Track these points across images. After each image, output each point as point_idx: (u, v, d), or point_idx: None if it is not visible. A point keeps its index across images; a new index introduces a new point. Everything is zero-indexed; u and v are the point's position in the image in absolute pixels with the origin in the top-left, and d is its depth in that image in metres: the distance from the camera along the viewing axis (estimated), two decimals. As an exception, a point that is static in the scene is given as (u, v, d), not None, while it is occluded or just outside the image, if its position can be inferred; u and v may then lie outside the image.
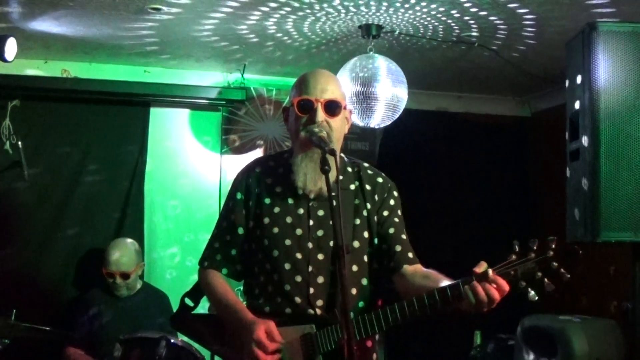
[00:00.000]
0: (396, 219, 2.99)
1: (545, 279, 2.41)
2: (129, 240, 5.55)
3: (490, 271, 2.40)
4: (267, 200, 2.95)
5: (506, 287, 2.39)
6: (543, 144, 6.97)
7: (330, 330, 2.72)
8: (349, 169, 3.03)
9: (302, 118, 2.87)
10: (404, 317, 2.62)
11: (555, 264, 2.41)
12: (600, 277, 5.79)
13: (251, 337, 2.70)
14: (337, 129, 2.88)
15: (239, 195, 3.01)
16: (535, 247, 2.43)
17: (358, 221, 2.93)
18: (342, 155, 3.03)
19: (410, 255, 2.95)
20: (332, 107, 2.87)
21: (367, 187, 3.00)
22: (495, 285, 2.39)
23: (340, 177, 2.90)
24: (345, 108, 2.95)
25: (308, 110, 2.86)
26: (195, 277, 3.15)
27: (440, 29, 5.00)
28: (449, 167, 6.95)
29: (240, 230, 2.98)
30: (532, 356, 4.73)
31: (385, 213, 2.97)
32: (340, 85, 3.00)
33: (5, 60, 4.80)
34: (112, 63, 6.08)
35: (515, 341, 4.92)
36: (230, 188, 3.08)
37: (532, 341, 4.77)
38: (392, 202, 3.01)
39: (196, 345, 4.25)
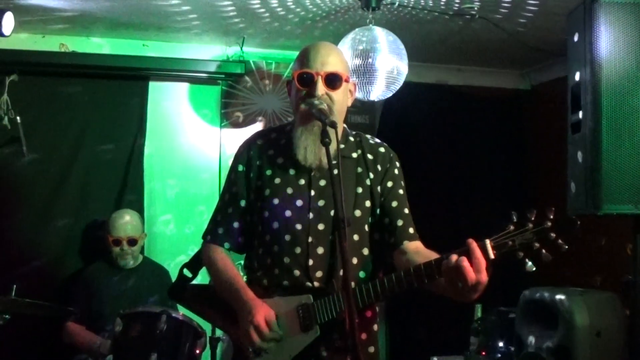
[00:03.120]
0: (400, 191, 2.98)
1: (543, 250, 2.39)
2: (132, 210, 5.61)
3: (488, 242, 2.39)
4: (269, 172, 2.94)
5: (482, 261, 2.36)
6: (542, 117, 6.95)
7: (328, 301, 2.72)
8: (351, 139, 3.02)
9: (302, 91, 2.84)
10: (401, 286, 2.61)
11: (553, 234, 2.38)
12: (592, 250, 5.79)
13: (250, 319, 2.70)
14: (338, 101, 2.86)
15: (240, 168, 3.00)
16: (533, 218, 2.41)
17: (360, 190, 2.91)
18: (345, 126, 3.02)
19: (411, 230, 2.93)
20: (333, 80, 2.84)
21: (370, 156, 2.98)
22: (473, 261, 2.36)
23: (342, 146, 2.88)
24: (347, 81, 2.92)
25: (308, 83, 2.83)
26: (194, 251, 3.14)
27: (441, 0, 4.96)
28: (449, 140, 6.93)
29: (242, 203, 2.98)
30: (533, 329, 4.73)
31: (390, 184, 2.96)
32: (342, 57, 2.97)
33: (2, 35, 4.78)
34: (110, 37, 6.05)
35: (516, 314, 4.92)
36: (232, 160, 3.07)
37: (532, 314, 4.78)
38: (395, 171, 3.00)
39: (197, 320, 4.25)
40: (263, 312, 2.72)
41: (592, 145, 3.51)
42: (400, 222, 2.92)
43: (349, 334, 2.37)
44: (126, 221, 5.36)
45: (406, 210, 2.97)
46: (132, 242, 5.32)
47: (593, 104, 3.51)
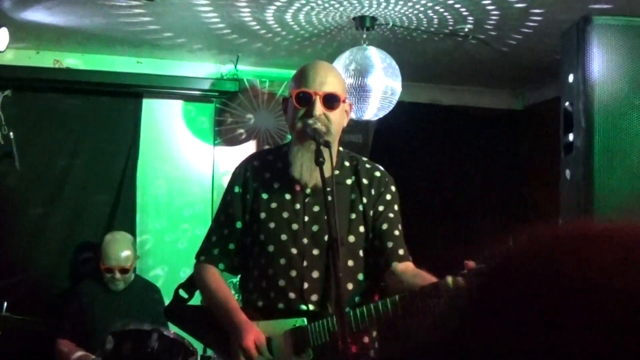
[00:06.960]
0: (391, 214, 2.96)
1: None
2: (125, 234, 5.51)
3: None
4: (265, 195, 2.94)
5: None
6: (536, 137, 6.96)
7: (323, 324, 2.71)
8: (347, 163, 3.01)
9: (299, 110, 2.84)
10: (396, 311, 2.61)
11: None
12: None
13: (240, 342, 2.71)
14: (335, 122, 2.85)
15: (236, 189, 3.00)
16: None
17: (354, 216, 2.91)
18: (341, 148, 3.01)
19: (401, 252, 2.92)
20: (331, 101, 2.84)
21: (364, 181, 2.97)
22: None
23: (337, 172, 2.87)
24: (344, 101, 2.92)
25: (306, 102, 2.83)
26: (188, 270, 3.13)
27: (434, 20, 4.97)
28: (442, 160, 6.94)
29: (238, 224, 2.97)
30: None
31: (381, 208, 2.95)
32: (340, 78, 2.98)
33: (-4, 50, 4.79)
34: (104, 54, 6.05)
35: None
36: (229, 181, 3.07)
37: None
38: (388, 196, 2.99)
39: (189, 338, 4.23)
40: (253, 335, 2.72)
41: (585, 167, 3.51)
42: (390, 244, 2.91)
43: (341, 353, 2.35)
44: (119, 251, 5.22)
45: (397, 232, 2.96)
46: (125, 271, 5.25)
47: (586, 125, 3.51)
